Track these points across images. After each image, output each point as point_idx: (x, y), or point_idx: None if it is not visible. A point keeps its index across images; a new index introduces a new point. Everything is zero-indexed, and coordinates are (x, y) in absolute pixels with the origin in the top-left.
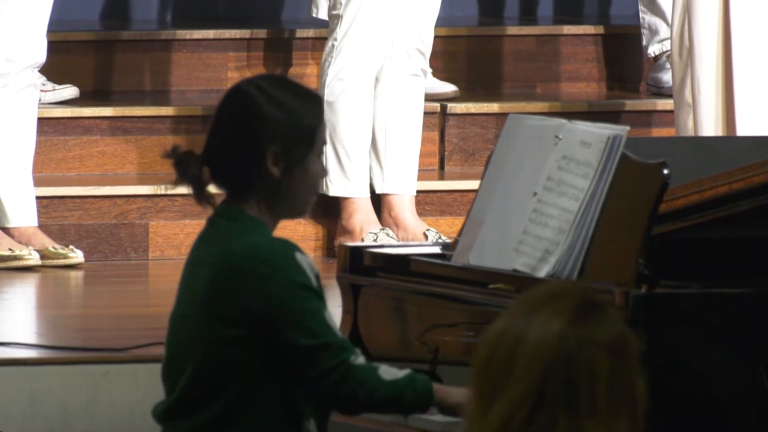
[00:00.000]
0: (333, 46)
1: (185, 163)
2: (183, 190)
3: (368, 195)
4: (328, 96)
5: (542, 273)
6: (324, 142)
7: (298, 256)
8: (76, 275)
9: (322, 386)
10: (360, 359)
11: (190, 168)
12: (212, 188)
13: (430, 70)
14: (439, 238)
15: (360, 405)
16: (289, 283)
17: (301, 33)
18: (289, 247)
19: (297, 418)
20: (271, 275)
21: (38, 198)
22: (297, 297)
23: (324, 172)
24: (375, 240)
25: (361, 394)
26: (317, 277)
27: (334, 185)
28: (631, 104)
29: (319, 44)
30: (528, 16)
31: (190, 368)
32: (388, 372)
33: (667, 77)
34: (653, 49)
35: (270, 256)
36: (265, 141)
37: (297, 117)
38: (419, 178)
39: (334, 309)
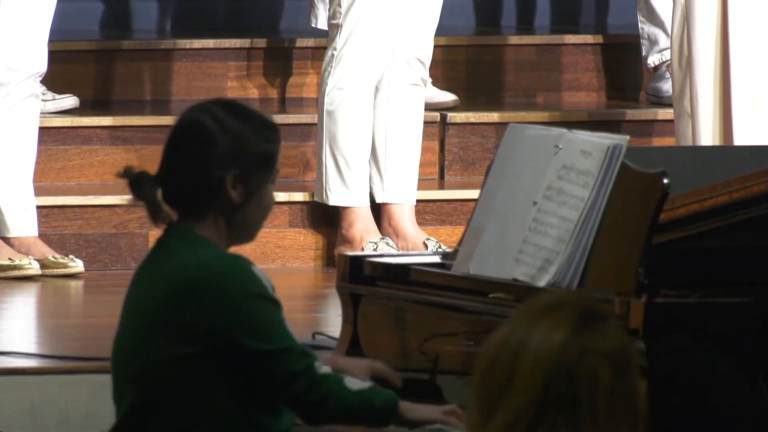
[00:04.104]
0: (333, 55)
1: (139, 184)
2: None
3: (368, 204)
4: (327, 105)
5: (542, 282)
6: (278, 171)
7: (253, 268)
8: (76, 285)
9: (289, 393)
10: (325, 368)
11: (144, 189)
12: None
13: (430, 80)
14: (439, 247)
15: (329, 414)
16: (247, 294)
17: (300, 42)
18: (243, 260)
19: None
20: (229, 288)
21: (38, 207)
22: (256, 307)
23: (273, 201)
24: (375, 249)
25: (331, 402)
26: (273, 289)
27: (334, 194)
28: (632, 113)
29: (319, 53)
30: (525, 25)
31: (135, 389)
32: (354, 382)
33: (667, 86)
34: (653, 59)
35: (225, 269)
36: (220, 164)
37: (252, 142)
38: (419, 188)
39: (334, 318)
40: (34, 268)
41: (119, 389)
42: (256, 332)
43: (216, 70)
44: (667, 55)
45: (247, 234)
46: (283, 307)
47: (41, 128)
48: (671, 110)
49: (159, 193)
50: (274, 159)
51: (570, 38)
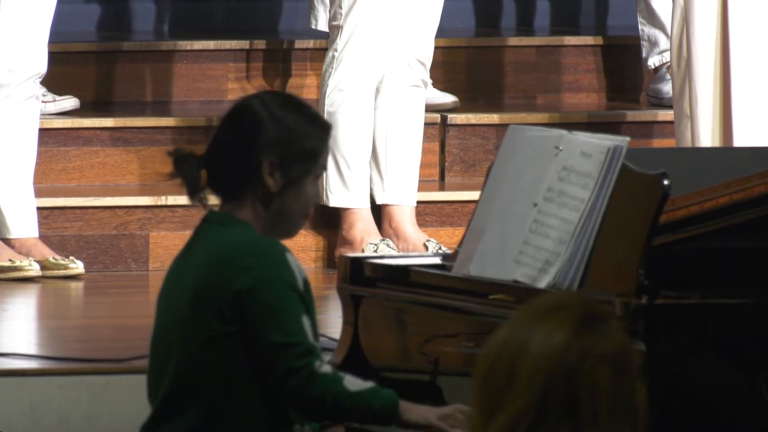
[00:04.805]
0: (333, 56)
1: (183, 159)
2: (184, 199)
3: (368, 206)
4: (328, 106)
5: (543, 284)
6: (324, 168)
7: (288, 255)
8: (77, 286)
9: (286, 387)
10: (325, 367)
11: (187, 164)
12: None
13: (430, 81)
14: (440, 248)
15: (326, 412)
16: (274, 278)
17: (300, 44)
18: (278, 245)
19: (286, 422)
20: (260, 266)
21: (38, 209)
22: (279, 293)
23: (318, 198)
24: (375, 251)
25: (329, 401)
26: (305, 282)
27: (335, 196)
28: (632, 115)
29: (318, 55)
30: (525, 27)
31: (171, 371)
32: (354, 383)
33: (667, 88)
34: (653, 61)
35: (260, 250)
36: (262, 149)
37: (299, 134)
38: (419, 189)
39: (335, 320)
40: (35, 270)
41: (156, 381)
42: (270, 318)
43: (216, 72)
44: (667, 57)
45: (286, 226)
46: (309, 303)
47: (41, 129)
48: (671, 112)
49: (203, 176)
50: (317, 154)
51: (570, 39)
